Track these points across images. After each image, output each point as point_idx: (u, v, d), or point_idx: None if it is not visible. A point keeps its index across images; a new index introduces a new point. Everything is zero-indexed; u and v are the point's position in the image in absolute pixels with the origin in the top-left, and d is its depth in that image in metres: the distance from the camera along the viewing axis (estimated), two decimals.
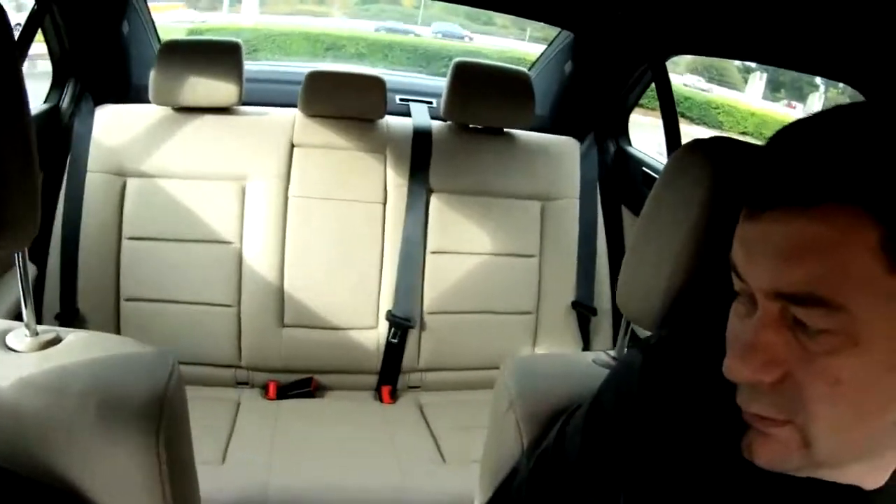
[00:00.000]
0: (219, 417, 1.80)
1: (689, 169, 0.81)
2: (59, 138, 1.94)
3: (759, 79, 9.22)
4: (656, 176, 1.96)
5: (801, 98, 9.05)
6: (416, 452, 1.73)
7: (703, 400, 0.63)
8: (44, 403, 0.72)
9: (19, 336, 0.80)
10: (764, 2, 1.20)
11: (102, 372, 0.77)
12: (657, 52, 1.88)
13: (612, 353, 1.02)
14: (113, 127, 1.95)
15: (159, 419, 0.74)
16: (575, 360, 1.05)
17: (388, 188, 2.05)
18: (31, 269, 1.86)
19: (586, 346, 2.06)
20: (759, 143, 0.73)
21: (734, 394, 0.55)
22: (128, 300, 1.93)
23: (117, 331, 1.93)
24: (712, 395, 0.60)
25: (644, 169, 2.05)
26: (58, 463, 0.72)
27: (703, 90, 9.09)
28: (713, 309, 0.73)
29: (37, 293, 1.86)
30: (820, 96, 8.20)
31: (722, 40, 1.56)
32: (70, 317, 1.85)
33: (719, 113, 8.11)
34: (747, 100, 9.14)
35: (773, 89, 9.71)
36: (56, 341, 0.81)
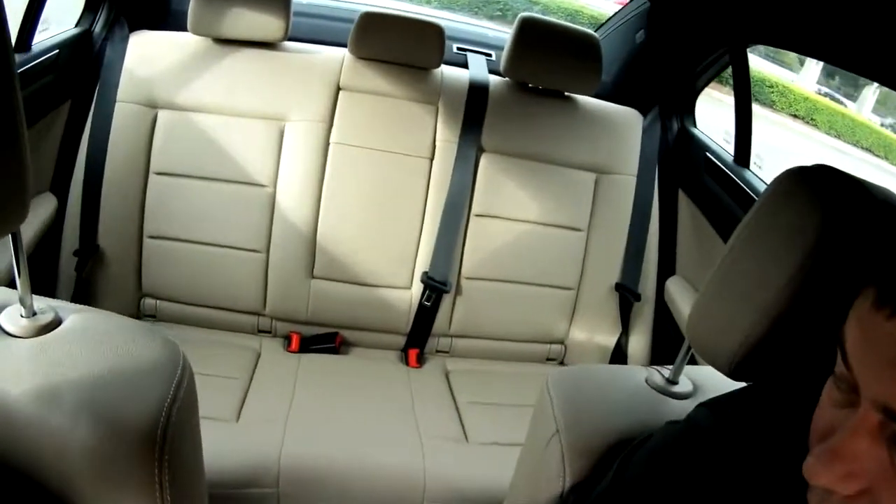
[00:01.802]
0: (237, 368, 1.74)
1: (792, 202, 0.70)
2: (90, 65, 1.83)
3: (815, 63, 8.85)
4: (719, 164, 1.84)
5: (856, 88, 8.72)
6: (438, 428, 1.66)
7: (774, 471, 0.59)
8: (35, 411, 0.64)
9: (13, 316, 0.71)
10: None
11: (100, 379, 0.67)
12: (739, 38, 1.72)
13: (666, 373, 0.92)
14: (147, 55, 1.84)
15: (161, 449, 0.66)
16: (626, 380, 0.95)
17: (436, 143, 1.93)
18: (51, 202, 1.77)
19: (625, 332, 1.97)
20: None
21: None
22: (151, 238, 1.85)
23: (138, 269, 1.86)
24: (783, 468, 0.57)
25: (707, 155, 1.91)
26: (49, 479, 0.64)
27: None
28: (796, 366, 0.70)
29: (56, 227, 1.78)
30: (874, 90, 7.89)
31: (814, 39, 1.41)
32: (89, 253, 1.77)
33: (772, 92, 7.74)
34: (802, 83, 8.78)
35: (828, 75, 9.34)
36: (55, 324, 0.72)
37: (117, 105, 1.80)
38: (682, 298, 1.90)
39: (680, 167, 2.04)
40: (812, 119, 7.07)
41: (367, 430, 1.60)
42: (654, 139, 2.03)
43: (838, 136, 7.18)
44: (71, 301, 1.71)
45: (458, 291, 1.95)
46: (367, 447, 1.54)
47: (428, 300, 1.91)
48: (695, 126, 2.08)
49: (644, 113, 2.06)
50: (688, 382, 0.91)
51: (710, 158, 1.89)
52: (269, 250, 1.87)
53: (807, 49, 1.45)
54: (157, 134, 1.82)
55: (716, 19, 1.80)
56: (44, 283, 1.77)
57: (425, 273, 1.90)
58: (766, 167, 1.95)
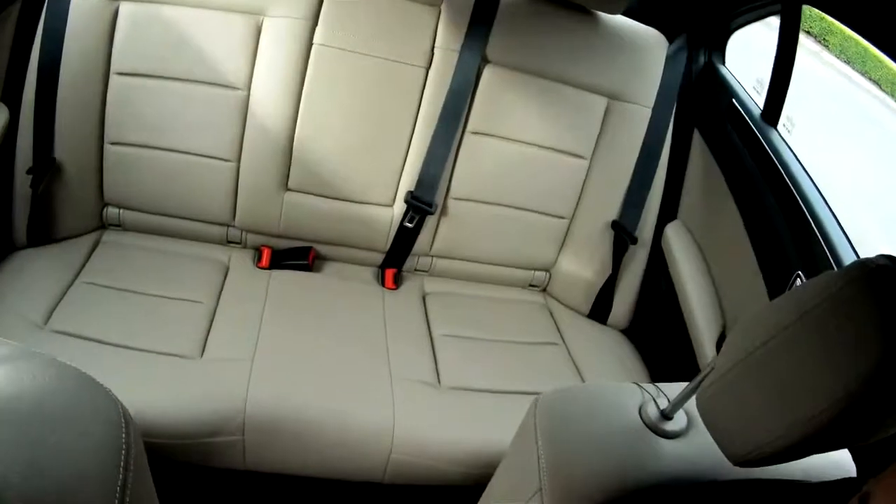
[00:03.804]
0: (204, 289, 1.62)
1: (854, 311, 0.62)
2: None
3: None
4: (745, 116, 1.66)
5: None
6: (411, 368, 1.57)
7: None
8: None
9: None
10: None
11: (29, 478, 0.55)
12: None
13: (662, 402, 0.85)
14: None
15: None
16: (619, 415, 0.87)
17: (435, 50, 1.72)
18: (3, 113, 1.54)
19: (615, 274, 1.86)
20: None
21: None
22: (113, 144, 1.66)
23: (99, 178, 1.68)
24: None
25: (734, 101, 1.73)
26: None
27: None
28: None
29: (8, 141, 1.56)
30: None
31: (878, 19, 1.23)
32: (45, 168, 1.57)
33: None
34: None
35: None
36: None
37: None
38: (679, 248, 1.79)
39: (701, 107, 1.86)
40: (825, 39, 6.75)
41: (337, 372, 1.50)
42: (677, 70, 1.83)
43: (848, 62, 6.92)
44: (29, 219, 1.57)
45: (444, 212, 1.81)
46: (337, 394, 1.44)
47: (410, 221, 1.78)
48: (723, 63, 1.88)
49: (670, 39, 1.84)
50: (682, 416, 0.85)
51: (735, 106, 1.72)
52: (241, 159, 1.70)
53: (863, 29, 1.27)
54: (119, 30, 1.59)
55: None
56: None
57: (410, 192, 1.75)
58: (794, 131, 1.79)
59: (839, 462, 0.84)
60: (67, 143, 1.60)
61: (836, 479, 0.74)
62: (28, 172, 1.56)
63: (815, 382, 0.62)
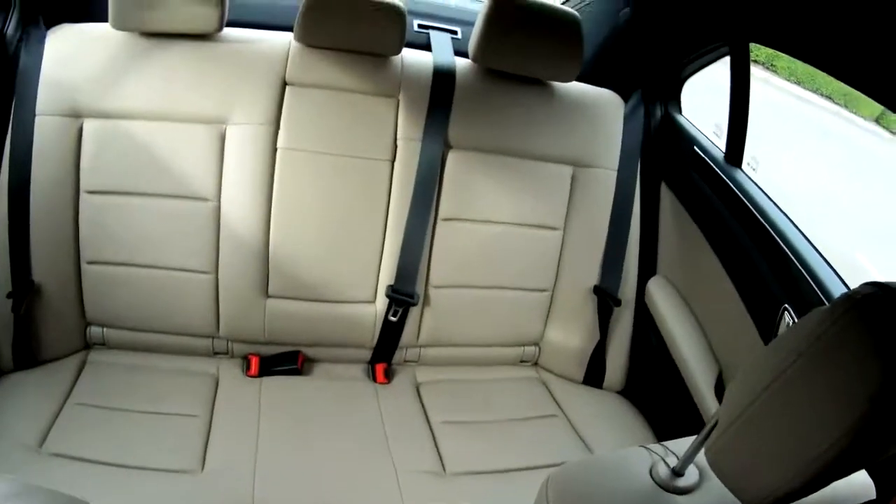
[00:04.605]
0: (196, 402, 1.61)
1: (852, 338, 0.64)
2: (2, 76, 1.58)
3: None
4: (708, 161, 1.70)
5: None
6: (413, 460, 1.55)
7: None
8: None
9: None
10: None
11: None
12: (742, 34, 1.56)
13: (672, 461, 0.85)
14: (67, 55, 1.60)
15: None
16: (632, 481, 0.86)
17: (398, 142, 1.74)
18: None
19: (603, 337, 1.86)
20: None
21: None
22: (90, 263, 1.65)
23: (80, 298, 1.67)
24: None
25: (695, 149, 1.77)
26: None
27: None
28: None
29: None
30: None
31: (822, 49, 1.29)
32: (24, 291, 1.57)
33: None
34: None
35: None
36: None
37: (37, 119, 1.56)
38: (664, 302, 1.81)
39: (664, 159, 1.89)
40: (772, 65, 6.98)
41: (342, 474, 1.48)
42: (636, 128, 1.87)
43: (798, 83, 7.14)
44: (13, 343, 1.55)
45: (426, 302, 1.81)
46: (344, 496, 1.43)
47: (394, 315, 1.77)
48: (680, 113, 1.93)
49: (625, 97, 1.89)
50: (693, 471, 0.85)
51: (697, 153, 1.76)
52: (219, 270, 1.70)
53: (813, 58, 1.32)
54: (85, 147, 1.60)
55: (717, 11, 1.64)
56: None
57: (390, 286, 1.75)
58: (760, 170, 1.83)
59: (859, 484, 0.83)
60: (45, 265, 1.60)
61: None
62: (8, 296, 1.54)
63: (822, 416, 0.63)
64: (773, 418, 0.67)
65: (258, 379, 1.73)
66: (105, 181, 1.62)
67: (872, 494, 0.73)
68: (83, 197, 1.62)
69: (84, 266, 1.65)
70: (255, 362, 1.75)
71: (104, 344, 1.72)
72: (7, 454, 1.36)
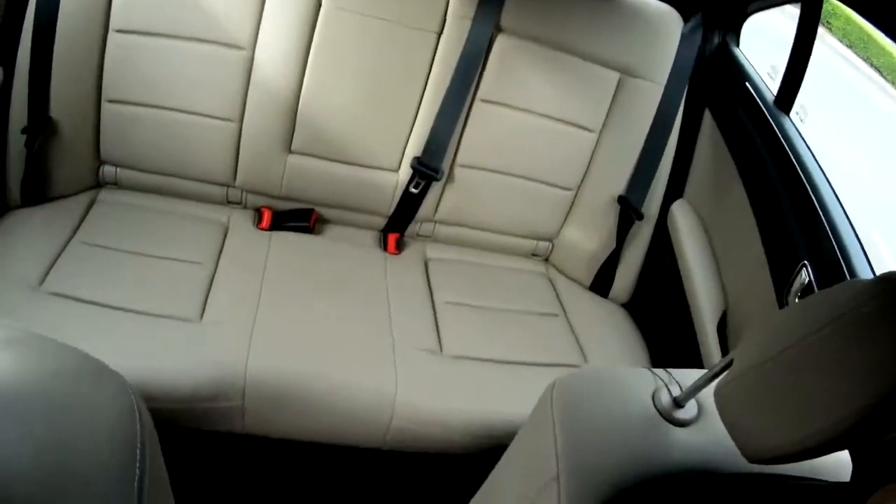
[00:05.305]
0: (203, 249, 1.59)
1: (879, 324, 0.60)
2: None
3: None
4: (757, 100, 1.64)
5: None
6: (413, 336, 1.56)
7: None
8: None
9: None
10: None
11: (41, 478, 0.53)
12: None
13: (675, 390, 0.85)
14: None
15: None
16: (634, 401, 0.87)
17: (448, 16, 1.67)
18: None
19: (618, 248, 1.85)
20: None
21: None
22: (111, 102, 1.61)
23: (96, 137, 1.63)
24: None
25: (746, 85, 1.71)
26: None
27: None
28: None
29: (2, 100, 1.51)
30: None
31: None
32: (40, 127, 1.52)
33: None
34: None
35: None
36: None
37: None
38: (685, 227, 1.79)
39: (713, 87, 1.83)
40: (828, 22, 6.69)
41: (339, 338, 1.48)
42: (691, 49, 1.79)
43: (850, 46, 6.87)
44: (23, 178, 1.52)
45: (450, 179, 1.79)
46: (338, 360, 1.43)
47: (416, 187, 1.76)
48: (737, 45, 1.86)
49: (686, 18, 1.81)
50: (693, 405, 0.85)
51: (748, 90, 1.70)
52: (243, 120, 1.65)
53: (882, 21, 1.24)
54: None
55: None
56: None
57: (416, 158, 1.73)
58: (807, 120, 1.77)
59: (836, 461, 0.84)
60: (64, 102, 1.55)
61: (847, 480, 0.74)
62: (23, 132, 1.50)
63: (837, 391, 0.61)
64: (789, 379, 0.65)
65: (268, 233, 1.72)
66: (136, 20, 1.55)
67: (847, 475, 0.72)
68: (111, 35, 1.56)
69: (104, 104, 1.61)
70: (267, 215, 1.74)
71: (116, 184, 1.70)
72: (6, 291, 1.33)
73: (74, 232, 1.54)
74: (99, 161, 1.68)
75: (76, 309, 1.34)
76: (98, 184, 1.70)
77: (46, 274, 1.41)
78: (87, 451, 0.57)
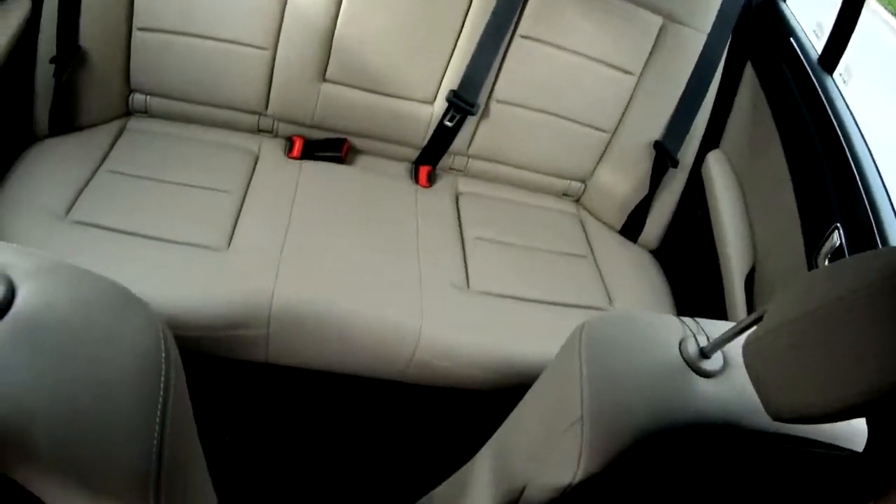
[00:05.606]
0: (232, 177, 1.59)
1: None
2: None
3: None
4: (801, 56, 1.61)
5: None
6: (440, 268, 1.56)
7: None
8: None
9: None
10: None
11: (64, 405, 0.54)
12: None
13: (702, 340, 0.83)
14: None
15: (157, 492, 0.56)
16: (661, 350, 0.85)
17: None
18: (25, 4, 1.45)
19: (651, 194, 1.83)
20: None
21: None
22: (141, 30, 1.59)
23: (126, 65, 1.62)
24: None
25: (791, 40, 1.66)
26: None
27: None
28: None
29: (31, 30, 1.48)
30: None
31: None
32: (69, 55, 1.50)
33: None
34: None
35: None
36: (4, 306, 0.56)
37: None
38: (720, 178, 1.76)
39: (757, 40, 1.78)
40: None
41: (366, 269, 1.48)
42: (736, 0, 1.75)
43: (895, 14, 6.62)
44: (51, 108, 1.50)
45: (485, 114, 1.78)
46: (364, 291, 1.43)
47: (451, 120, 1.74)
48: (784, 1, 1.80)
49: None
50: (719, 357, 0.84)
51: (792, 45, 1.65)
52: (278, 47, 1.63)
53: None
54: None
55: None
56: (19, 94, 1.52)
57: (452, 91, 1.71)
58: (851, 83, 1.72)
59: (853, 429, 0.81)
60: (93, 30, 1.53)
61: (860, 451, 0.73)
62: (51, 61, 1.49)
63: (869, 357, 0.59)
64: (821, 339, 0.62)
65: (299, 162, 1.72)
66: None
67: (861, 444, 0.71)
68: None
69: (135, 32, 1.58)
70: (298, 144, 1.73)
71: (146, 112, 1.69)
72: (31, 219, 1.33)
73: (102, 161, 1.54)
74: (129, 89, 1.67)
75: (103, 237, 1.34)
76: (127, 112, 1.69)
77: (73, 203, 1.40)
78: (112, 380, 0.58)
